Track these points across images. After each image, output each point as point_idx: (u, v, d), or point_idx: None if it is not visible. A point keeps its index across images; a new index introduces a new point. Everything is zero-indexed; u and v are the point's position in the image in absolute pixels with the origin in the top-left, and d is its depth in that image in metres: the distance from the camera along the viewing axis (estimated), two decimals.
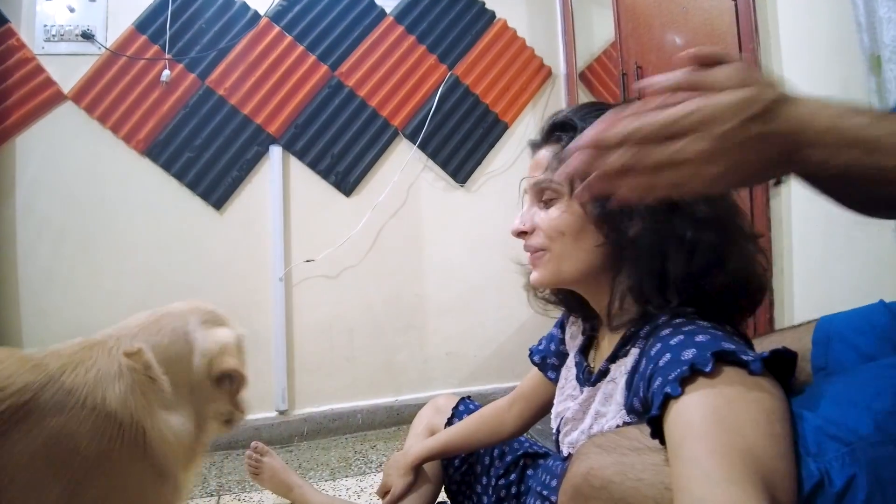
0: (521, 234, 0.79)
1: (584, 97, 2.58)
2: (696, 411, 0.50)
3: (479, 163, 2.51)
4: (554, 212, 0.74)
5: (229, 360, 0.88)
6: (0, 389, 0.67)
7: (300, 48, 2.24)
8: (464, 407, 1.25)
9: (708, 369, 0.51)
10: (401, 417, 2.34)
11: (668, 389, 0.52)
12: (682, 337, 0.59)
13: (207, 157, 2.13)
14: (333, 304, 2.30)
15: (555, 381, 0.98)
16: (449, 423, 1.23)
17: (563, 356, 0.99)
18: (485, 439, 1.13)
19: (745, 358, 0.52)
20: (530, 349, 1.07)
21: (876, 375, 0.55)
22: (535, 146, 0.82)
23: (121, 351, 0.79)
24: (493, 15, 2.49)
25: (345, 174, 2.32)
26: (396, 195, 2.39)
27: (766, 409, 0.49)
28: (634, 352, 0.69)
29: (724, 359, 0.53)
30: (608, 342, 0.78)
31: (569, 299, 0.88)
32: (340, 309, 2.30)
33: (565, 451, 0.80)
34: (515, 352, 2.58)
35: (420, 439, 1.24)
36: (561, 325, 1.02)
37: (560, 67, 2.59)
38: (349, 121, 2.31)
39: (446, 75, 2.42)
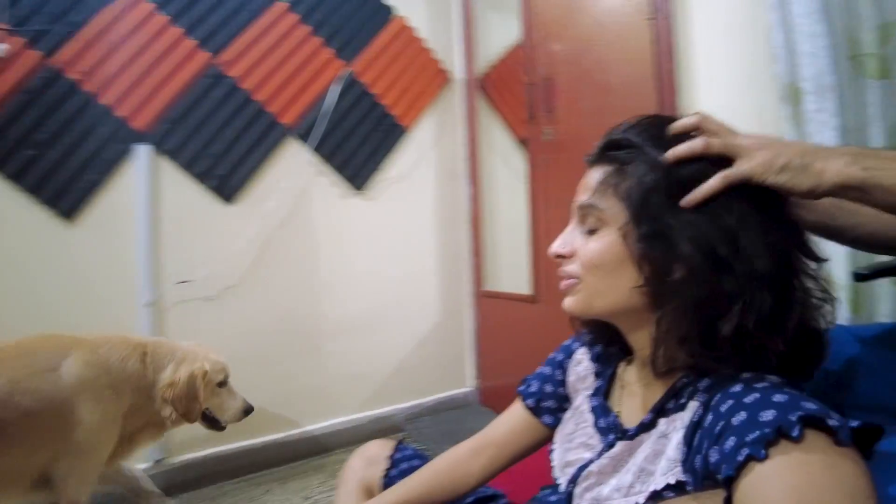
0: (560, 256, 0.73)
1: (483, 105, 2.55)
2: (775, 489, 0.46)
3: (377, 168, 2.37)
4: (594, 242, 0.68)
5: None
6: None
7: (176, 30, 1.93)
8: (401, 455, 1.08)
9: (795, 434, 0.48)
10: (298, 453, 2.13)
11: (749, 451, 0.49)
12: (757, 395, 0.55)
13: (54, 155, 1.74)
14: (213, 329, 2.01)
15: (552, 426, 0.91)
16: (388, 475, 1.07)
17: (561, 399, 0.91)
18: (447, 495, 0.99)
19: (832, 424, 0.49)
20: (519, 391, 0.97)
21: None
22: (589, 163, 0.74)
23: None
24: (390, 11, 2.36)
25: (226, 178, 2.04)
26: (286, 202, 2.17)
27: (852, 492, 0.46)
28: (694, 405, 0.63)
29: (811, 423, 0.49)
30: (648, 390, 0.72)
31: (601, 329, 0.81)
32: (222, 335, 2.00)
33: None
34: (419, 367, 2.49)
35: (354, 499, 1.07)
36: (560, 366, 0.93)
37: (458, 72, 2.54)
38: (231, 116, 2.05)
39: (343, 72, 2.24)
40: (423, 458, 1.04)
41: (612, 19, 1.91)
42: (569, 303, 0.73)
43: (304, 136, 2.19)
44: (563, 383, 0.91)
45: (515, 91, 2.41)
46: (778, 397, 0.53)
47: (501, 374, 2.54)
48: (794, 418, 0.49)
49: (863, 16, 1.28)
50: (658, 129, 0.66)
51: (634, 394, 0.76)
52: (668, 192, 0.62)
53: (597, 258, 0.67)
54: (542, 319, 2.26)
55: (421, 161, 2.48)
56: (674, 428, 0.64)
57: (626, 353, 0.80)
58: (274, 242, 2.14)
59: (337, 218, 2.29)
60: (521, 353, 2.40)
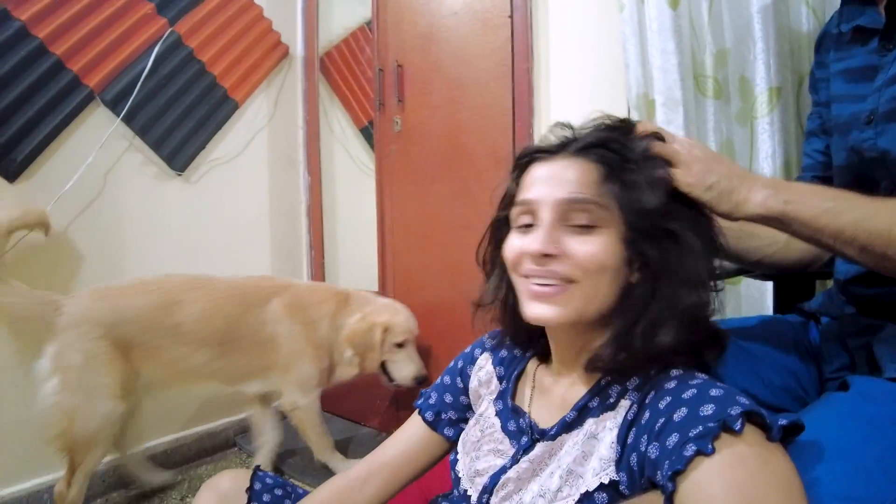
0: (546, 256, 0.66)
1: (323, 85, 2.41)
2: (719, 486, 0.49)
3: (202, 147, 2.10)
4: (598, 242, 0.65)
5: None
6: None
7: None
8: (260, 485, 0.93)
9: (737, 428, 0.51)
10: (108, 485, 1.80)
11: (696, 446, 0.51)
12: (694, 391, 0.58)
13: None
14: None
15: (454, 439, 0.88)
16: None
17: (463, 408, 0.89)
18: None
19: (769, 421, 0.53)
20: (417, 405, 0.93)
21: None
22: (551, 153, 0.71)
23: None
24: None
25: (7, 150, 1.63)
26: (89, 183, 1.82)
27: (786, 485, 0.50)
28: (626, 404, 0.65)
29: (749, 418, 0.53)
30: (569, 390, 0.73)
31: (525, 331, 0.79)
32: None
33: None
34: None
35: None
36: (460, 373, 0.90)
37: (298, 48, 2.36)
38: (18, 71, 1.64)
39: (165, 31, 1.95)
40: (285, 486, 0.93)
41: (470, 10, 1.93)
42: (554, 312, 0.67)
43: (114, 105, 1.84)
44: (465, 391, 0.89)
45: (359, 75, 2.32)
46: (714, 392, 0.57)
47: None
48: (735, 413, 0.52)
49: (704, 41, 1.46)
50: (629, 132, 0.70)
51: (550, 394, 0.76)
52: (662, 201, 0.65)
53: (602, 259, 0.65)
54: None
55: (254, 142, 2.25)
56: (604, 428, 0.65)
57: (539, 354, 0.81)
58: (72, 231, 1.78)
59: (151, 204, 1.98)
60: None
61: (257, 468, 0.95)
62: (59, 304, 1.56)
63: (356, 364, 1.82)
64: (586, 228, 0.66)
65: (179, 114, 2.02)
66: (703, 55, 1.48)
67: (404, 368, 1.83)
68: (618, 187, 0.65)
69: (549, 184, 0.68)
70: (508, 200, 0.75)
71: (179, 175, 2.04)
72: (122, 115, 1.86)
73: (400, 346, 1.80)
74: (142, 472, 1.85)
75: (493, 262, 0.80)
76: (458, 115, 2.00)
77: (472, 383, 0.87)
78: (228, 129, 2.18)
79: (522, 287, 0.70)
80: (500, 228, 0.77)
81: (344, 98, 2.43)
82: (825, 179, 0.98)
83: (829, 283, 1.00)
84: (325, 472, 1.89)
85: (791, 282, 1.17)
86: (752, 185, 0.66)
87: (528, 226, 0.70)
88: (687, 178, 0.66)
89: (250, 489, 0.89)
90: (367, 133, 2.31)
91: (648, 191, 0.65)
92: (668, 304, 0.64)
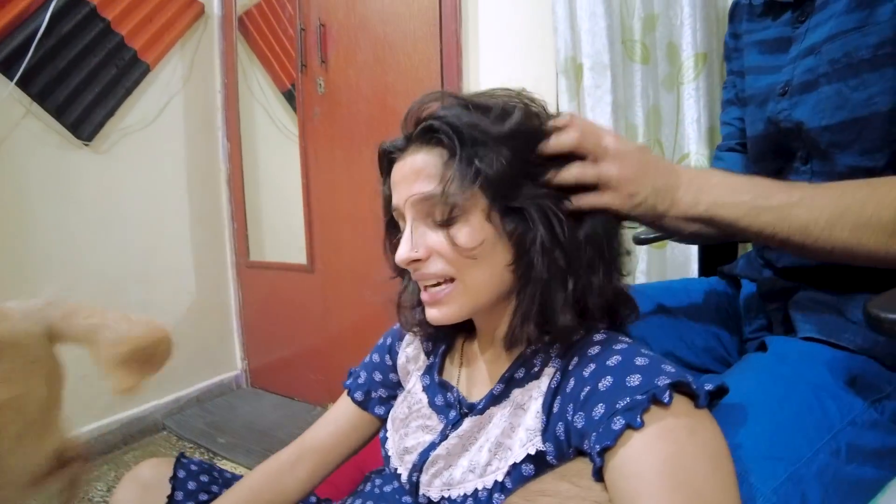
0: (415, 261, 0.66)
1: (242, 46, 2.34)
2: (648, 461, 0.51)
3: (111, 114, 2.02)
4: (462, 232, 0.64)
5: None
6: None
7: None
8: (185, 472, 0.91)
9: (666, 401, 0.52)
10: None
11: (625, 420, 0.52)
12: (619, 358, 0.59)
13: None
14: None
15: (385, 416, 0.89)
16: (173, 501, 0.93)
17: (393, 385, 0.90)
18: None
19: (695, 390, 0.55)
20: (346, 385, 0.93)
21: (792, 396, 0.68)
22: (401, 149, 0.69)
23: None
24: None
25: None
26: None
27: (714, 453, 0.52)
28: (549, 371, 0.66)
29: (677, 388, 0.54)
30: (495, 363, 0.74)
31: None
32: None
33: (434, 493, 0.71)
34: (175, 353, 2.20)
35: None
36: (389, 349, 0.91)
37: (215, 7, 2.29)
38: None
39: None
40: (211, 472, 0.93)
41: None
42: (444, 312, 0.67)
43: (6, 68, 1.75)
44: (393, 368, 0.90)
45: (280, 34, 2.27)
46: (640, 360, 0.58)
47: (274, 352, 2.44)
48: (662, 384, 0.53)
49: (633, 5, 1.50)
50: (478, 108, 0.64)
51: (478, 368, 0.77)
52: (521, 172, 0.63)
53: (472, 244, 0.63)
54: (319, 290, 2.22)
55: (168, 108, 2.18)
56: (530, 397, 0.66)
57: (465, 330, 0.80)
58: None
59: (55, 176, 1.90)
60: (296, 327, 2.34)
61: (181, 455, 0.94)
62: None
63: None
64: (448, 221, 0.64)
65: (84, 78, 1.93)
66: (631, 20, 1.52)
67: None
68: (464, 164, 0.62)
69: (403, 184, 0.67)
70: (386, 204, 0.73)
71: (87, 145, 1.96)
72: (15, 79, 1.76)
73: None
74: None
75: (397, 267, 0.77)
76: (386, 78, 1.99)
77: (401, 360, 0.88)
78: (140, 95, 2.10)
79: (421, 291, 0.70)
80: (392, 234, 0.76)
81: (265, 59, 2.36)
82: (745, 145, 1.02)
83: (749, 247, 1.05)
84: (258, 452, 1.89)
85: (715, 246, 1.22)
86: (675, 193, 0.68)
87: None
88: (616, 202, 0.66)
89: (174, 478, 0.89)
90: (291, 96, 2.26)
91: (496, 157, 0.61)
92: (550, 280, 0.64)
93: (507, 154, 0.61)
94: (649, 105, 1.51)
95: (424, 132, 0.65)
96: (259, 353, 2.50)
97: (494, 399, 0.69)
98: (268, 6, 2.28)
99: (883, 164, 0.72)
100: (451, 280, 0.66)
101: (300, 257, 2.24)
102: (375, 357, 0.92)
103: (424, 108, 0.67)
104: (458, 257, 0.64)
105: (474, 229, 0.63)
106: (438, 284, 0.67)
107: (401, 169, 0.67)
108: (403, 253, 0.66)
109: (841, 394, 0.65)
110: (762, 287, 0.91)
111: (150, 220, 2.16)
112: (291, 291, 2.33)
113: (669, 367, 0.56)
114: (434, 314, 0.68)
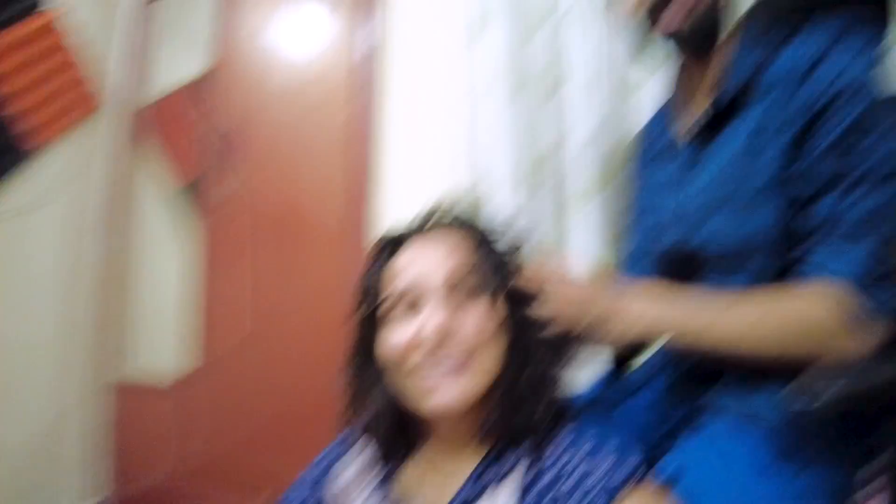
0: (440, 336, 0.68)
1: (141, 142, 2.21)
2: None
3: None
4: (482, 308, 0.70)
5: None
6: None
7: None
8: None
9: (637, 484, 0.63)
10: None
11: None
12: (590, 445, 0.67)
13: None
14: None
15: None
16: None
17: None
18: None
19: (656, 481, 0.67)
20: None
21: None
22: (420, 231, 0.76)
23: None
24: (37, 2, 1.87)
25: None
26: None
27: None
28: (521, 468, 0.68)
29: (643, 478, 0.64)
30: (460, 464, 0.72)
31: (395, 423, 0.75)
32: None
33: None
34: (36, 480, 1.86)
35: None
36: (327, 467, 0.83)
37: (118, 96, 2.18)
38: None
39: None
40: None
41: (312, 85, 1.99)
42: (460, 391, 0.67)
43: None
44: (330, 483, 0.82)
45: (185, 134, 2.18)
46: (607, 454, 0.65)
47: (147, 476, 2.11)
48: (629, 475, 0.63)
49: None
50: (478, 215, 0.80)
51: (443, 471, 0.74)
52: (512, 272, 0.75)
53: (490, 325, 0.69)
54: (207, 402, 2.04)
55: (48, 197, 1.97)
56: (504, 495, 0.67)
57: (421, 434, 0.78)
58: None
59: None
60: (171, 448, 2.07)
61: None
62: None
63: None
64: (471, 297, 0.70)
65: None
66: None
67: None
68: (487, 253, 0.73)
69: (431, 259, 0.71)
70: (373, 296, 0.74)
71: None
72: None
73: None
74: None
75: (363, 370, 0.76)
76: (294, 186, 2.01)
77: (350, 472, 0.80)
78: (18, 178, 1.88)
79: (413, 385, 0.69)
80: (367, 330, 0.75)
81: (168, 155, 2.22)
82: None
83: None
84: None
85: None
86: (617, 316, 0.79)
87: (411, 312, 0.70)
88: (562, 324, 0.76)
89: None
90: (190, 195, 2.14)
91: (510, 257, 0.75)
92: (541, 359, 0.72)
93: (508, 256, 0.77)
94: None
95: (457, 218, 0.76)
96: (131, 478, 2.14)
97: (467, 502, 0.68)
98: (175, 103, 2.19)
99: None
100: (468, 355, 0.68)
101: (188, 364, 2.07)
102: (310, 475, 0.83)
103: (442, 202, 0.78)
104: (480, 335, 0.68)
105: (485, 311, 0.70)
106: (447, 363, 0.68)
107: (425, 246, 0.73)
108: (438, 319, 0.66)
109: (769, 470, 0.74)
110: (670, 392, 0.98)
111: (9, 323, 1.88)
112: (171, 406, 2.09)
113: (635, 459, 0.65)
114: (444, 397, 0.67)
